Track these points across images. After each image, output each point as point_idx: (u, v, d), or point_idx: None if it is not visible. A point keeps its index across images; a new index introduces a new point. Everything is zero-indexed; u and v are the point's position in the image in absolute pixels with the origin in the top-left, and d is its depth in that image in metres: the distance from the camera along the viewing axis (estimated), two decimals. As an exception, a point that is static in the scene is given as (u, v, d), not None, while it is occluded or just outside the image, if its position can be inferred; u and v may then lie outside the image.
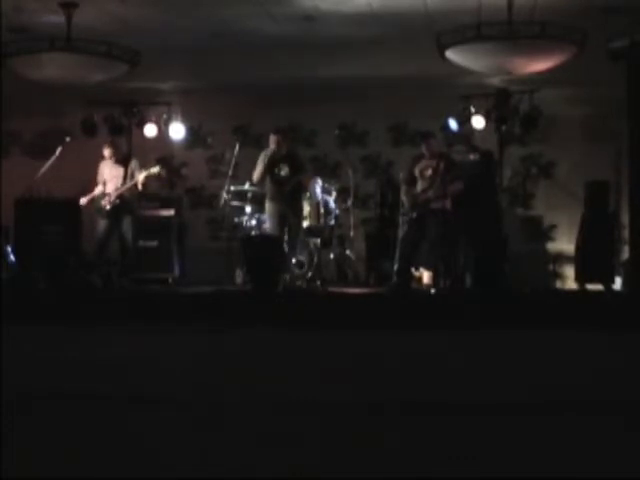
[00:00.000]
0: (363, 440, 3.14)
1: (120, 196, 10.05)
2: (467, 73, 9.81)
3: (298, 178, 9.40)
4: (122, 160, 10.25)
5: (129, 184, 10.02)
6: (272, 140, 9.43)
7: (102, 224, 10.10)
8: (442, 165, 8.92)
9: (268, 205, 9.49)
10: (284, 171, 9.37)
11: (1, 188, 10.54)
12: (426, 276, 9.37)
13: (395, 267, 9.10)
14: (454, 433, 3.26)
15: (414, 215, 8.96)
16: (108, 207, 10.04)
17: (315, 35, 9.83)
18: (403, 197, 9.32)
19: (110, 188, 10.11)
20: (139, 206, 10.56)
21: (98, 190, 10.17)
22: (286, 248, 9.26)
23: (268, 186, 9.45)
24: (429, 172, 9.00)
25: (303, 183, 9.60)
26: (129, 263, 10.16)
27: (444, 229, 8.84)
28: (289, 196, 9.36)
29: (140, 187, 10.10)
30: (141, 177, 10.00)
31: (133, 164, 10.19)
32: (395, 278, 9.03)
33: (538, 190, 12.17)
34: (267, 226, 9.60)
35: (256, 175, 9.45)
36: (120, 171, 10.12)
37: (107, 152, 10.23)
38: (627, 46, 8.74)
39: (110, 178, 10.15)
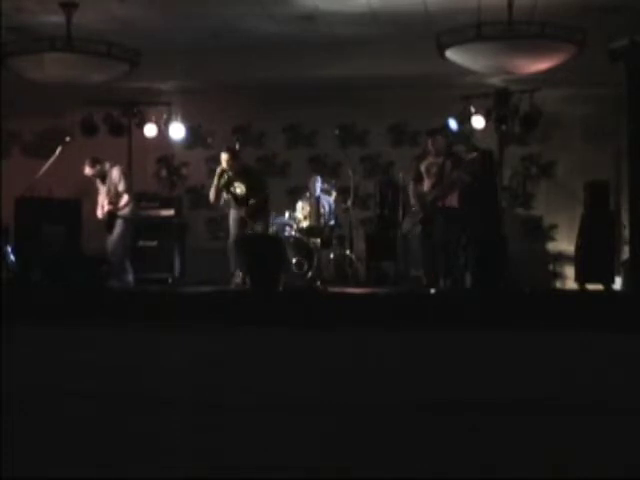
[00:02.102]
0: (363, 440, 3.14)
1: (109, 212, 9.90)
2: (467, 73, 9.81)
3: (255, 203, 9.48)
4: (101, 176, 9.92)
5: (109, 206, 9.82)
6: (222, 158, 9.56)
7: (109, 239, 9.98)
8: (449, 163, 8.91)
9: (231, 212, 9.68)
10: (239, 189, 9.52)
11: (1, 188, 10.53)
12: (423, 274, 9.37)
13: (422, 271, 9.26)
14: (454, 433, 3.26)
15: (422, 216, 8.97)
16: (100, 217, 9.96)
17: (315, 35, 9.84)
18: (411, 196, 9.26)
19: (101, 200, 9.98)
20: (139, 207, 10.49)
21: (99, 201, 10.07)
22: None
23: (230, 200, 9.65)
24: (435, 170, 8.96)
25: (261, 204, 9.62)
26: (115, 263, 9.91)
27: (449, 229, 8.86)
28: (249, 212, 9.51)
29: (125, 201, 9.94)
30: (120, 204, 9.87)
31: (114, 175, 9.84)
32: (425, 281, 9.10)
33: (538, 190, 12.16)
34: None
35: (211, 194, 9.65)
36: (103, 187, 9.97)
37: (87, 170, 9.92)
38: (627, 46, 8.73)
39: (100, 188, 10.03)
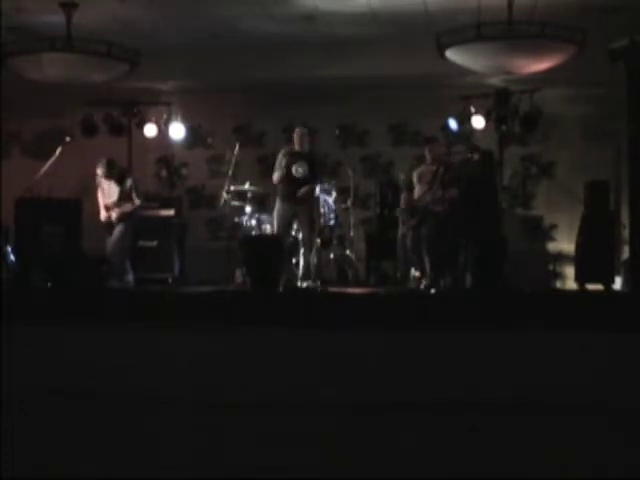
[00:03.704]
0: (362, 440, 3.14)
1: (122, 214, 9.88)
2: (467, 73, 9.81)
3: (313, 186, 9.11)
4: (118, 178, 9.87)
5: (124, 208, 9.79)
6: (296, 133, 9.20)
7: (109, 240, 9.95)
8: (441, 170, 8.98)
9: (278, 204, 9.26)
10: (302, 169, 9.08)
11: (1, 188, 10.53)
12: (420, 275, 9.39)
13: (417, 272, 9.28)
14: (454, 432, 3.26)
15: (413, 222, 9.04)
16: (104, 220, 9.92)
17: (315, 35, 9.83)
18: (403, 206, 9.43)
19: (106, 201, 9.94)
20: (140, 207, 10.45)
21: (100, 199, 10.02)
22: (300, 249, 9.24)
23: (281, 186, 9.20)
24: (428, 177, 9.06)
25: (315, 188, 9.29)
26: (116, 264, 9.89)
27: (439, 230, 8.89)
28: (302, 199, 9.11)
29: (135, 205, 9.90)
30: (130, 207, 9.86)
31: (129, 183, 9.84)
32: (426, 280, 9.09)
33: (538, 190, 12.17)
34: (269, 226, 9.52)
35: (275, 176, 9.19)
36: (116, 188, 9.93)
37: (100, 171, 9.87)
38: (627, 46, 8.73)
39: (107, 191, 9.98)
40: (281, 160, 9.18)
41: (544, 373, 4.79)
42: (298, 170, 9.11)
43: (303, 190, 9.06)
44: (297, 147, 9.22)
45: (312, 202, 9.30)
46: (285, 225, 9.27)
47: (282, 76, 11.30)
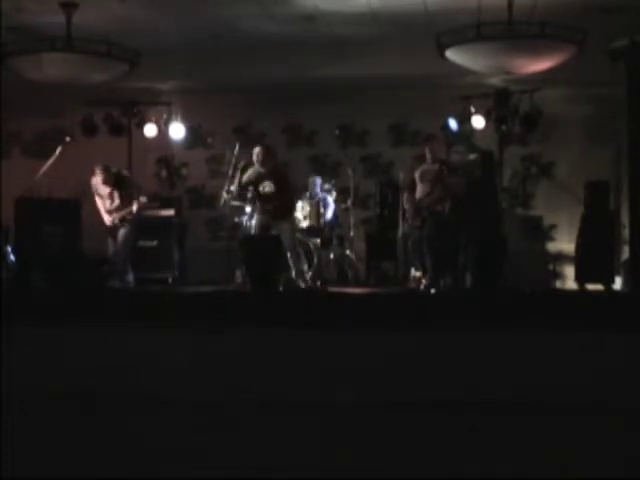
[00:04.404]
0: (363, 440, 3.14)
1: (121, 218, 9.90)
2: (467, 73, 9.80)
3: (280, 200, 9.16)
4: (115, 183, 9.88)
5: (125, 212, 9.80)
6: (255, 153, 9.26)
7: (111, 242, 9.95)
8: (445, 169, 8.96)
9: (255, 216, 9.34)
10: (269, 188, 9.22)
11: (1, 188, 10.52)
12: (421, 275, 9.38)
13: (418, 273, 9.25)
14: (454, 432, 3.26)
15: (418, 223, 9.03)
16: (110, 224, 9.91)
17: (315, 35, 9.83)
18: (405, 205, 9.37)
19: (107, 207, 9.94)
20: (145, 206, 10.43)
21: (100, 205, 10.02)
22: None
23: (257, 202, 9.33)
24: (430, 176, 9.03)
25: (289, 203, 9.40)
26: (118, 264, 9.90)
27: (440, 230, 8.88)
28: (275, 213, 9.21)
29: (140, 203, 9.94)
30: (134, 208, 9.86)
31: (129, 185, 9.92)
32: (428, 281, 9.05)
33: (538, 190, 12.17)
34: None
35: (233, 188, 9.30)
36: (114, 192, 9.88)
37: (100, 178, 9.86)
38: (627, 46, 8.73)
39: (105, 195, 9.97)
40: (239, 177, 9.26)
41: (544, 373, 4.79)
42: (265, 189, 9.23)
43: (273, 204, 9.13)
44: (258, 166, 9.28)
45: (291, 218, 9.47)
46: (263, 231, 9.30)
47: (282, 76, 11.30)
